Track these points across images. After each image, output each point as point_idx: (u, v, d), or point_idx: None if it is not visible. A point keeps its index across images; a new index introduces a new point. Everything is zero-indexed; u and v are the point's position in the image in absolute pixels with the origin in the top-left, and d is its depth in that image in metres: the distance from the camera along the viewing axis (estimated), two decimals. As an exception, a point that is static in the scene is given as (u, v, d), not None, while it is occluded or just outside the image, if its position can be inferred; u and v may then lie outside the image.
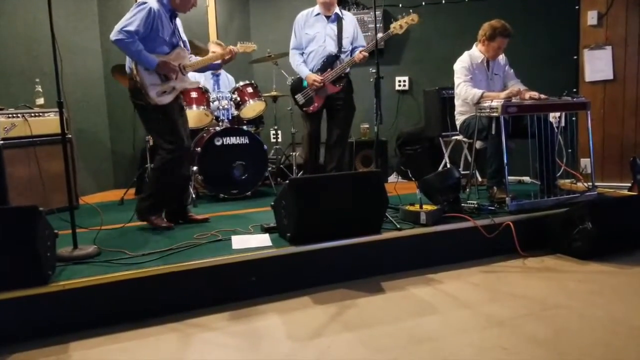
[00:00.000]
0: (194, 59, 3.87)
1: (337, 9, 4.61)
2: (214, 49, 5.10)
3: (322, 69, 4.51)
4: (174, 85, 3.56)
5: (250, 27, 6.42)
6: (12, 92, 4.61)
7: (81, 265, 2.81)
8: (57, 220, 3.18)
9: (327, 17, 4.56)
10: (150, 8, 3.37)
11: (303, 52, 4.62)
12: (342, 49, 4.54)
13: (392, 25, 4.33)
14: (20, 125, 4.18)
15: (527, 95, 4.02)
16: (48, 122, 4.37)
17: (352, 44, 4.60)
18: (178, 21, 3.71)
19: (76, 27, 5.22)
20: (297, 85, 4.66)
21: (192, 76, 5.30)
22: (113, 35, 3.32)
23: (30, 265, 2.46)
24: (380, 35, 4.62)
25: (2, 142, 4.06)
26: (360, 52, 4.43)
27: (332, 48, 4.53)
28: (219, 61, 3.93)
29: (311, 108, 4.58)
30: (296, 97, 4.65)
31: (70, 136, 4.17)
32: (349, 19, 4.67)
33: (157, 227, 3.59)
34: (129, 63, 3.49)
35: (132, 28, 3.31)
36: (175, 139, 3.52)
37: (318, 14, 4.58)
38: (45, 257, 2.53)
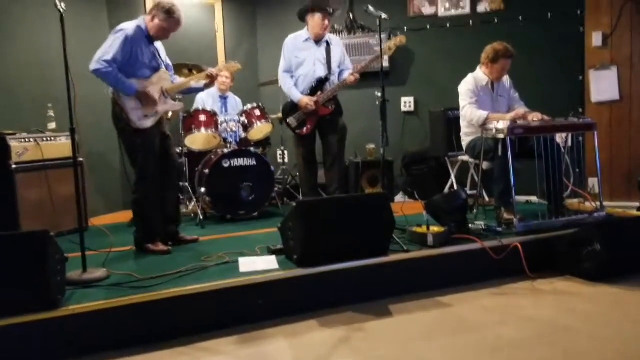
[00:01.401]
0: (177, 80, 3.93)
1: None
2: (223, 73, 5.18)
3: (312, 92, 4.56)
4: (156, 109, 3.64)
5: (258, 51, 6.50)
6: (25, 117, 4.68)
7: (90, 289, 2.84)
8: (67, 243, 3.22)
9: (316, 42, 4.62)
10: (126, 35, 3.46)
11: (292, 75, 4.67)
12: (331, 72, 4.59)
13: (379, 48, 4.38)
14: (32, 149, 4.24)
15: (531, 117, 4.05)
16: (60, 146, 4.43)
17: (339, 66, 4.67)
18: (158, 44, 3.80)
19: (89, 53, 5.26)
20: (289, 108, 4.69)
21: (200, 99, 5.41)
22: (91, 66, 3.41)
23: (40, 289, 2.49)
24: (370, 57, 4.68)
25: (15, 166, 4.12)
26: (352, 74, 4.49)
27: (321, 71, 4.58)
28: (202, 83, 3.97)
29: (304, 130, 4.62)
30: (288, 120, 4.68)
31: (81, 159, 4.23)
32: (336, 42, 4.75)
33: (155, 253, 3.62)
34: (112, 89, 3.56)
35: (109, 57, 3.40)
36: (146, 166, 3.60)
37: (307, 38, 4.63)
38: (55, 282, 2.56)
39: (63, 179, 4.35)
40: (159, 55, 3.76)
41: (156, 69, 3.70)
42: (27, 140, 4.24)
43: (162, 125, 3.83)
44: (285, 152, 5.80)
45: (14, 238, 2.69)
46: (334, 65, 4.62)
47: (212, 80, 3.95)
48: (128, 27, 3.53)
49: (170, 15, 3.57)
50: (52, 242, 2.57)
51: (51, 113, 4.58)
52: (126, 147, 3.66)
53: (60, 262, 2.67)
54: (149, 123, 3.59)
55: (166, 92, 3.72)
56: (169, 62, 3.92)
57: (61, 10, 2.97)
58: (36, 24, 4.92)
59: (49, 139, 4.40)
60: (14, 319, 2.43)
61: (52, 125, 4.57)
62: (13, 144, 4.15)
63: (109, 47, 3.44)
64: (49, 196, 4.27)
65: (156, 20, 3.58)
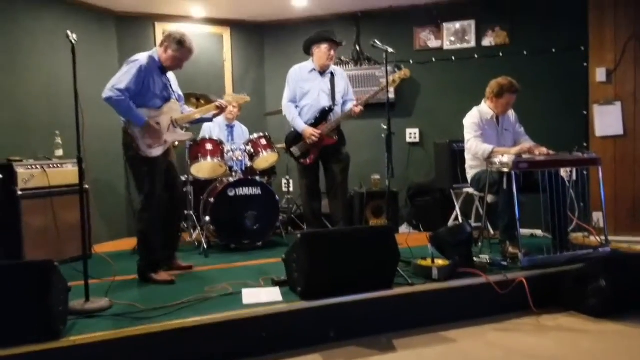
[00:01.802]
0: (187, 110, 4.01)
1: None
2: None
3: (316, 123, 4.60)
4: (165, 138, 3.70)
5: (265, 81, 6.58)
6: (33, 144, 4.73)
7: (92, 319, 2.82)
8: (70, 271, 3.21)
9: (321, 73, 4.68)
10: (141, 65, 3.54)
11: (297, 106, 4.71)
12: (335, 103, 4.64)
13: (384, 80, 4.44)
14: (38, 176, 4.27)
15: (537, 151, 4.06)
16: (66, 173, 4.46)
17: (343, 97, 4.72)
18: (171, 75, 3.89)
19: (97, 82, 5.34)
20: (293, 138, 4.72)
21: (207, 127, 5.45)
22: (104, 93, 3.47)
23: (42, 319, 2.48)
24: (375, 89, 4.74)
25: (20, 192, 4.14)
26: (356, 105, 4.53)
27: (325, 102, 4.63)
28: (211, 114, 4.05)
29: (308, 160, 4.64)
30: (292, 149, 4.71)
31: (86, 187, 4.25)
32: (340, 73, 4.81)
33: (158, 283, 3.61)
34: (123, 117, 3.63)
35: (122, 86, 3.47)
36: (152, 195, 3.64)
37: (313, 69, 4.69)
38: (58, 312, 2.55)
39: (68, 205, 4.37)
40: (170, 86, 3.83)
41: (167, 99, 3.77)
42: (33, 167, 4.27)
43: (170, 154, 3.88)
44: (291, 181, 5.82)
45: (19, 267, 2.70)
46: (338, 96, 4.68)
47: (221, 111, 4.03)
48: (142, 57, 3.61)
49: (182, 45, 3.66)
50: (56, 272, 2.57)
51: (59, 140, 4.63)
52: (134, 175, 3.71)
53: (63, 292, 2.66)
54: (157, 152, 3.65)
55: (175, 122, 3.79)
56: (180, 93, 4.00)
57: (73, 41, 3.03)
58: (47, 54, 5.01)
59: (55, 165, 4.43)
60: (15, 349, 2.42)
61: (60, 152, 4.62)
62: (20, 170, 4.17)
63: (123, 76, 3.51)
64: (53, 223, 4.28)
65: (169, 51, 3.67)
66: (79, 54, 3.08)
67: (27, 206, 4.17)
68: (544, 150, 4.07)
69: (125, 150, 3.68)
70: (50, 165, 4.40)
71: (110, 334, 2.61)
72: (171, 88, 3.84)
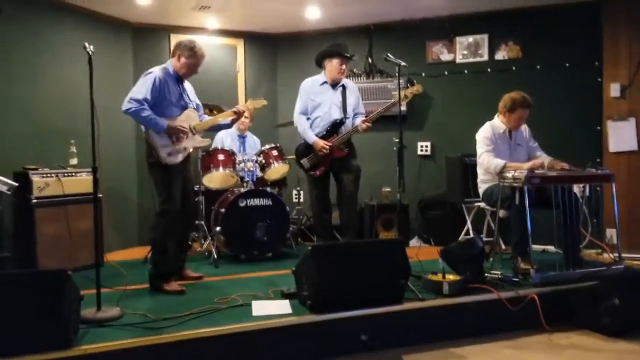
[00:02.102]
0: (206, 118, 4.09)
1: None
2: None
3: (327, 135, 4.61)
4: (184, 145, 3.79)
5: (278, 93, 6.61)
6: (48, 152, 4.78)
7: (103, 328, 2.84)
8: (82, 279, 3.22)
9: (333, 86, 4.70)
10: (155, 77, 3.67)
11: (308, 118, 4.73)
12: (346, 116, 4.65)
13: (396, 93, 4.45)
14: (53, 184, 4.32)
15: (559, 166, 4.05)
16: (80, 182, 4.51)
17: (353, 110, 4.73)
18: (187, 84, 3.99)
19: (112, 91, 5.44)
20: (303, 149, 4.73)
21: (219, 137, 5.49)
22: (123, 106, 3.60)
23: (54, 328, 2.50)
24: (387, 103, 4.75)
25: (35, 200, 4.18)
26: (364, 122, 4.54)
27: (336, 115, 4.64)
28: (229, 119, 4.11)
29: (317, 172, 4.64)
30: (302, 161, 4.71)
31: (100, 195, 4.28)
32: (352, 87, 4.82)
33: (169, 293, 3.63)
34: (143, 127, 3.73)
35: (140, 96, 3.59)
36: (169, 200, 3.70)
37: (324, 82, 4.71)
38: (70, 320, 2.57)
39: (81, 214, 4.42)
40: (187, 95, 3.93)
41: (184, 108, 3.86)
42: (48, 175, 4.32)
43: (188, 164, 3.95)
44: (301, 192, 5.83)
45: (32, 275, 2.73)
46: (349, 109, 4.69)
47: (238, 116, 4.11)
48: (156, 69, 3.74)
49: (193, 51, 3.78)
50: (69, 281, 2.59)
51: (73, 149, 4.68)
52: (154, 182, 3.79)
53: (75, 301, 2.68)
54: (176, 159, 3.74)
55: (194, 129, 3.87)
56: (199, 102, 4.11)
57: (90, 52, 3.07)
58: (64, 64, 5.07)
59: (70, 174, 4.48)
60: (27, 358, 2.43)
61: (74, 161, 4.66)
62: (35, 178, 4.22)
63: (139, 88, 3.64)
64: (67, 231, 4.32)
65: (182, 59, 3.78)
66: (96, 65, 3.12)
67: (41, 214, 4.22)
68: (565, 165, 4.05)
69: (146, 158, 3.77)
70: (65, 174, 4.44)
71: (122, 343, 2.62)
72: (188, 97, 3.93)
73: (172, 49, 3.93)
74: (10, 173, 4.17)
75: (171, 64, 3.83)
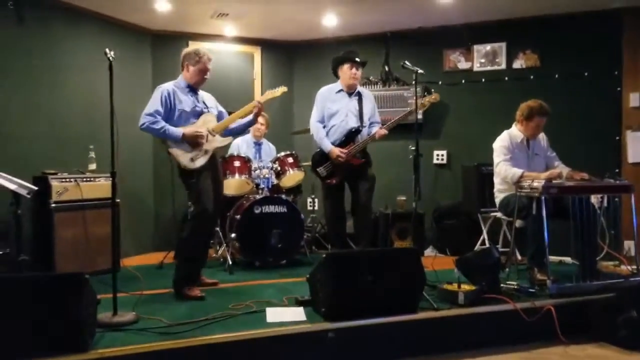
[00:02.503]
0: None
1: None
2: (259, 120, 5.29)
3: (344, 143, 4.60)
4: (205, 148, 3.82)
5: (294, 100, 6.64)
6: (67, 157, 4.85)
7: (119, 332, 2.87)
8: (99, 284, 3.24)
9: (349, 94, 4.70)
10: (163, 90, 3.78)
11: (324, 126, 4.73)
12: (363, 124, 4.65)
13: (412, 101, 4.44)
14: (72, 189, 4.38)
15: (578, 176, 4.01)
16: (98, 187, 4.57)
17: (369, 119, 4.73)
18: (205, 95, 4.07)
19: (131, 97, 5.51)
20: (319, 158, 4.72)
21: (235, 144, 5.52)
22: (139, 123, 3.70)
23: (71, 331, 2.52)
24: (403, 111, 4.75)
25: (54, 205, 4.24)
26: (382, 128, 4.53)
27: (353, 123, 4.63)
28: (248, 119, 4.13)
29: (333, 180, 4.64)
30: (318, 169, 4.70)
31: (118, 200, 4.33)
32: (368, 95, 4.82)
33: (190, 298, 3.64)
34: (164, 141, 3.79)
35: (151, 110, 3.70)
36: (201, 204, 3.73)
37: (340, 90, 4.72)
38: (86, 324, 2.59)
39: (99, 219, 4.47)
40: (203, 102, 3.97)
41: (200, 114, 3.90)
42: (67, 180, 4.38)
43: (215, 167, 4.00)
44: (316, 200, 5.84)
45: (50, 279, 2.76)
46: (365, 118, 4.68)
47: (259, 109, 4.07)
48: (165, 84, 3.85)
49: (199, 57, 3.85)
50: (86, 285, 2.62)
51: (92, 154, 4.74)
52: (186, 188, 3.86)
53: (92, 305, 2.71)
54: (199, 163, 3.77)
55: (212, 132, 3.89)
56: (222, 109, 4.17)
57: (110, 58, 3.11)
58: (84, 70, 5.15)
59: (88, 179, 4.54)
60: (43, 360, 2.46)
61: (93, 166, 4.73)
62: (54, 183, 4.29)
63: (151, 103, 3.75)
64: (84, 236, 4.37)
65: (190, 68, 3.86)
66: (116, 71, 3.17)
67: (59, 218, 4.28)
68: (585, 175, 4.01)
69: (178, 174, 3.85)
70: (84, 179, 4.50)
71: (137, 348, 2.64)
72: (204, 104, 3.97)
73: (180, 61, 3.94)
74: (30, 177, 4.25)
75: (182, 77, 3.91)
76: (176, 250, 3.82)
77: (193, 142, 3.75)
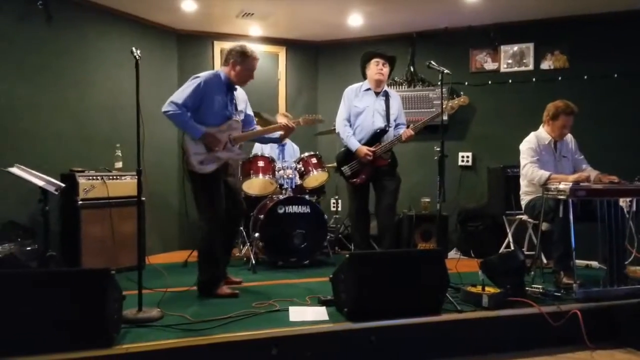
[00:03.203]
0: (256, 129, 4.07)
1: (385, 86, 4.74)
2: (281, 120, 5.32)
3: (370, 143, 4.57)
4: (218, 155, 3.70)
5: (318, 101, 6.65)
6: (94, 156, 4.94)
7: (144, 328, 2.89)
8: (124, 280, 3.30)
9: (376, 93, 4.68)
10: (200, 82, 3.60)
11: (351, 125, 4.71)
12: (389, 125, 4.62)
13: (438, 102, 4.38)
14: (98, 187, 4.45)
15: (607, 179, 3.96)
16: (124, 185, 4.63)
17: (395, 120, 4.69)
18: (239, 94, 3.92)
19: (157, 96, 5.57)
20: (344, 157, 4.69)
21: (259, 145, 5.54)
22: (163, 107, 3.57)
23: (97, 326, 2.56)
24: (432, 113, 4.71)
25: (80, 202, 4.32)
26: (410, 129, 4.50)
27: (380, 122, 4.59)
28: (277, 134, 4.06)
29: (358, 180, 4.60)
30: (343, 168, 4.66)
31: (143, 199, 4.39)
32: (395, 96, 4.78)
33: (223, 296, 3.66)
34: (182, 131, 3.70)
35: (180, 101, 3.55)
36: (210, 208, 3.65)
37: (368, 89, 4.69)
38: (112, 319, 2.63)
39: (125, 216, 4.53)
40: (235, 104, 3.85)
41: (227, 118, 3.77)
42: (94, 177, 4.45)
43: (231, 174, 3.94)
44: (339, 201, 5.83)
45: (77, 274, 2.80)
46: (392, 118, 4.66)
47: (287, 131, 4.02)
48: (205, 74, 3.68)
49: (246, 56, 3.72)
50: (112, 281, 2.66)
51: (119, 153, 4.81)
52: (192, 189, 3.75)
53: (118, 301, 2.74)
54: (209, 168, 3.65)
55: (232, 141, 3.78)
56: (250, 112, 4.08)
57: (137, 57, 3.14)
58: (111, 69, 5.24)
59: (115, 177, 4.60)
60: (69, 354, 2.50)
61: (119, 165, 4.80)
62: (81, 180, 4.36)
63: (182, 92, 3.60)
64: (110, 233, 4.43)
65: (237, 67, 3.72)
66: (142, 71, 3.19)
67: (86, 215, 4.36)
68: (614, 178, 3.94)
69: (185, 165, 3.72)
70: (110, 177, 4.57)
71: (161, 344, 2.67)
72: (235, 107, 3.85)
73: (224, 56, 3.83)
74: (58, 174, 4.33)
75: (224, 72, 3.77)
76: (198, 254, 3.78)
77: (208, 146, 3.66)
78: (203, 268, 3.73)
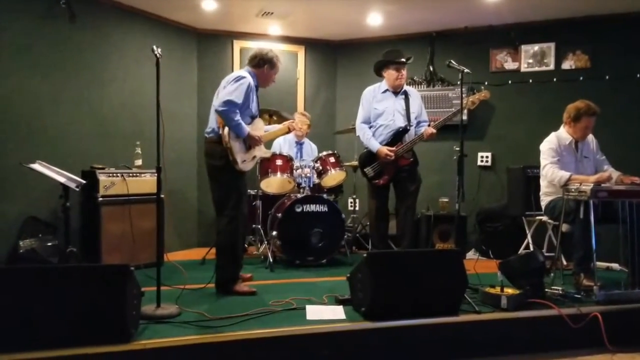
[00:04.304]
0: (269, 128, 4.27)
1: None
2: (299, 119, 5.36)
3: (391, 143, 4.55)
4: (255, 154, 3.85)
5: (336, 100, 6.64)
6: (115, 153, 5.00)
7: (162, 325, 2.92)
8: (143, 276, 3.33)
9: (395, 93, 4.65)
10: (249, 83, 3.69)
11: (371, 126, 4.70)
12: (410, 124, 4.59)
13: (457, 102, 4.35)
14: (118, 184, 4.50)
15: (629, 180, 3.90)
16: (144, 182, 4.68)
17: (416, 118, 4.66)
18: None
19: (177, 95, 5.65)
20: (366, 158, 4.69)
21: (277, 143, 5.58)
22: (220, 106, 3.58)
23: (116, 322, 2.59)
24: (451, 111, 4.67)
25: (101, 199, 4.37)
26: (430, 127, 4.47)
27: (400, 122, 4.57)
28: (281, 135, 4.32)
29: (381, 181, 4.60)
30: (365, 170, 4.67)
31: (162, 196, 4.42)
32: (415, 94, 4.75)
33: (243, 294, 3.68)
34: (217, 129, 3.71)
35: (237, 101, 3.60)
36: (239, 205, 3.75)
37: (386, 90, 4.67)
38: (131, 315, 2.66)
39: (144, 213, 4.57)
40: (259, 104, 3.97)
41: (254, 117, 3.88)
42: (114, 174, 4.50)
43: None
44: (357, 200, 5.82)
45: (97, 270, 2.83)
46: (412, 117, 4.63)
47: (288, 131, 4.28)
48: (247, 75, 3.74)
49: (276, 64, 3.88)
50: (131, 277, 2.68)
51: (138, 150, 4.85)
52: (221, 185, 3.75)
53: (137, 297, 2.77)
54: (247, 166, 3.81)
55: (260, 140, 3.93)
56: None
57: (158, 55, 3.17)
58: (132, 68, 5.28)
59: (134, 174, 4.65)
60: (88, 349, 2.52)
61: (139, 162, 4.84)
62: (101, 177, 4.41)
63: (236, 92, 3.62)
64: (130, 229, 4.47)
65: (268, 72, 3.86)
66: (161, 69, 3.22)
67: (106, 212, 4.40)
68: (636, 179, 3.89)
69: (215, 160, 3.72)
70: (130, 174, 4.62)
71: (179, 340, 2.69)
72: (258, 106, 3.96)
73: (254, 59, 3.86)
74: (79, 171, 4.40)
75: (254, 74, 3.84)
76: (218, 252, 3.80)
77: (250, 145, 3.77)
78: (223, 265, 3.76)
